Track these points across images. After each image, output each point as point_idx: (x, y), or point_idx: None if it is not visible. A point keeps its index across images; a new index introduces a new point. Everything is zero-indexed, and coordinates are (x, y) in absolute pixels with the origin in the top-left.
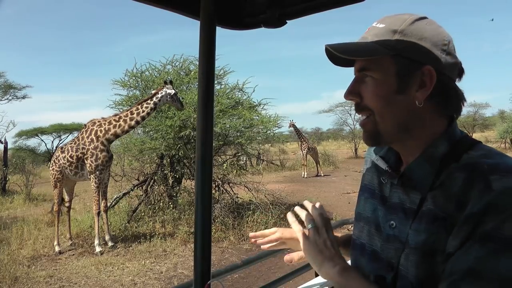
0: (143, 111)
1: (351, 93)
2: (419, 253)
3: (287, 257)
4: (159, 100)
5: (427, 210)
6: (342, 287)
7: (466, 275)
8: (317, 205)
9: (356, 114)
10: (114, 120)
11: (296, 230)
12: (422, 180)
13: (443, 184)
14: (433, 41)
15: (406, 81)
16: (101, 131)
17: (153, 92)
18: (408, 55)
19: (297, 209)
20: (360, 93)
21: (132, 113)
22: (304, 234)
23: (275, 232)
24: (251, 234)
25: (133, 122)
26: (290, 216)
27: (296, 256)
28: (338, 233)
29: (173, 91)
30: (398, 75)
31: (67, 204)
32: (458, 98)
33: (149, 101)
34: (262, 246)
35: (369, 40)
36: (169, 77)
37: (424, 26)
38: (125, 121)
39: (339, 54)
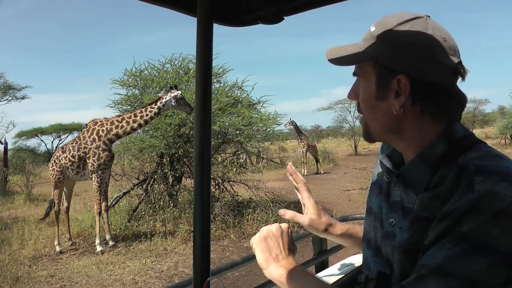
0: (146, 115)
1: (351, 94)
2: (402, 252)
3: (281, 211)
4: (163, 105)
5: (413, 210)
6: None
7: (435, 271)
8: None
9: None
10: (117, 120)
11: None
12: (418, 180)
13: (434, 184)
14: (411, 47)
15: (384, 90)
16: (103, 130)
17: (158, 96)
18: (384, 63)
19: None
20: (358, 95)
21: (135, 116)
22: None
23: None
24: (290, 164)
25: (135, 125)
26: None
27: (290, 213)
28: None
29: (179, 95)
30: (376, 83)
31: (65, 205)
32: (454, 101)
33: (153, 105)
34: (289, 176)
35: (360, 44)
36: (168, 76)
37: (404, 31)
38: (127, 122)
39: (329, 60)
